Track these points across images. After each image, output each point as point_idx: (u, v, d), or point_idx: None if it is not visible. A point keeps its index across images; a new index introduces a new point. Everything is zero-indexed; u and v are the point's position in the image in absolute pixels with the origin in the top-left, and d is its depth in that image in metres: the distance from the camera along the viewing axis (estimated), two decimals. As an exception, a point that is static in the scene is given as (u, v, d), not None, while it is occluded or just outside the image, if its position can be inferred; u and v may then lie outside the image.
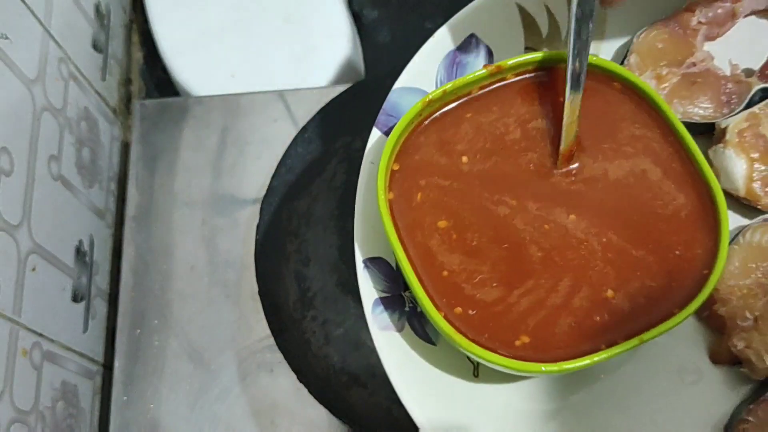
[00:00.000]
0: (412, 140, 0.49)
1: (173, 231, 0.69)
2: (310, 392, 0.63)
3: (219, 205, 0.70)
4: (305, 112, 0.72)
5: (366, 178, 0.51)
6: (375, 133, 0.52)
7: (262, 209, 0.69)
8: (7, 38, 0.55)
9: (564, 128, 0.48)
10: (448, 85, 0.49)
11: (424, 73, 0.53)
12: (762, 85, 0.53)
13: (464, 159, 0.48)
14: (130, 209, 0.70)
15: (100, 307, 0.68)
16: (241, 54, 0.77)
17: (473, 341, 0.43)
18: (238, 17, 0.79)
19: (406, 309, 0.49)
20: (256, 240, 0.68)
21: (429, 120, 0.50)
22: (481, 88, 0.50)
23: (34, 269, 0.56)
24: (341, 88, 0.72)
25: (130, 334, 0.66)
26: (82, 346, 0.64)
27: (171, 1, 0.79)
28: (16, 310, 0.53)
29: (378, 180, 0.46)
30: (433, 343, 0.49)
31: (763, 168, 0.51)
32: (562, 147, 0.48)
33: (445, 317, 0.44)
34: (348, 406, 0.63)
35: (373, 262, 0.50)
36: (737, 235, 0.49)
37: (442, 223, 0.47)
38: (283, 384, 0.64)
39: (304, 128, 0.71)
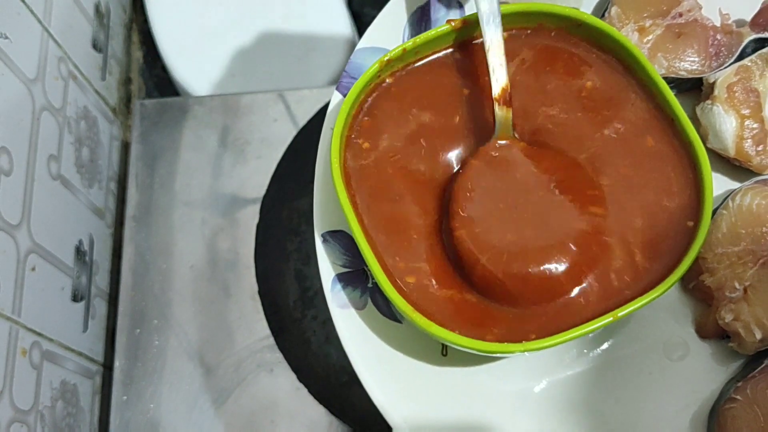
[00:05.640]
0: (373, 103, 0.45)
1: (173, 231, 0.69)
2: (310, 392, 0.63)
3: (219, 205, 0.70)
4: (305, 112, 0.72)
5: (326, 145, 0.47)
6: (336, 97, 0.48)
7: (262, 209, 0.69)
8: (6, 38, 0.55)
9: (493, 71, 0.43)
10: (408, 44, 0.44)
11: (390, 31, 0.49)
12: (755, 36, 0.48)
13: (427, 119, 0.44)
14: (130, 209, 0.70)
15: (100, 306, 0.68)
16: (241, 54, 0.77)
17: (432, 319, 0.39)
18: (238, 17, 0.79)
19: (369, 285, 0.45)
20: (256, 240, 0.68)
21: (392, 81, 0.45)
22: (453, 46, 0.45)
23: (33, 269, 0.56)
24: (341, 88, 0.72)
25: (130, 334, 0.66)
26: (82, 346, 0.64)
27: (171, 1, 0.79)
28: (15, 309, 0.53)
29: (332, 145, 0.42)
30: (399, 321, 0.45)
31: (754, 125, 0.46)
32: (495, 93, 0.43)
33: (403, 294, 0.40)
34: (348, 405, 0.63)
35: (333, 236, 0.46)
36: (726, 198, 0.45)
37: (401, 189, 0.43)
38: (283, 384, 0.64)
39: (304, 128, 0.71)
